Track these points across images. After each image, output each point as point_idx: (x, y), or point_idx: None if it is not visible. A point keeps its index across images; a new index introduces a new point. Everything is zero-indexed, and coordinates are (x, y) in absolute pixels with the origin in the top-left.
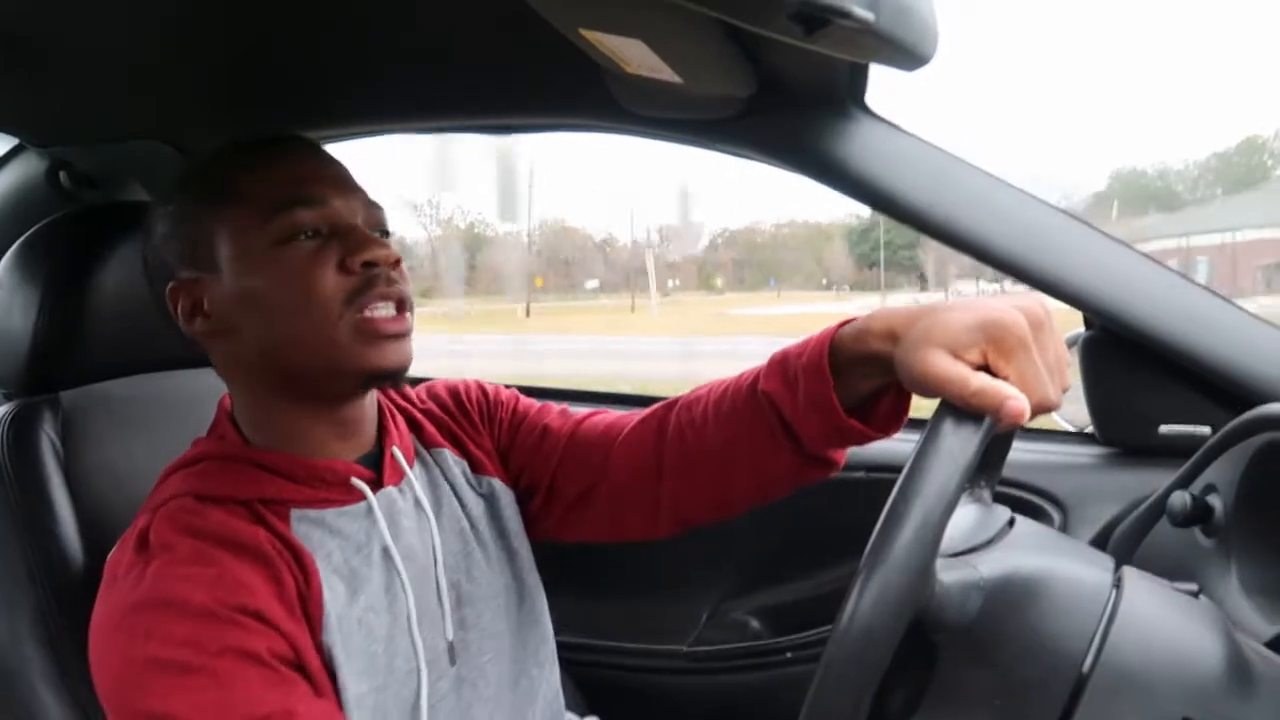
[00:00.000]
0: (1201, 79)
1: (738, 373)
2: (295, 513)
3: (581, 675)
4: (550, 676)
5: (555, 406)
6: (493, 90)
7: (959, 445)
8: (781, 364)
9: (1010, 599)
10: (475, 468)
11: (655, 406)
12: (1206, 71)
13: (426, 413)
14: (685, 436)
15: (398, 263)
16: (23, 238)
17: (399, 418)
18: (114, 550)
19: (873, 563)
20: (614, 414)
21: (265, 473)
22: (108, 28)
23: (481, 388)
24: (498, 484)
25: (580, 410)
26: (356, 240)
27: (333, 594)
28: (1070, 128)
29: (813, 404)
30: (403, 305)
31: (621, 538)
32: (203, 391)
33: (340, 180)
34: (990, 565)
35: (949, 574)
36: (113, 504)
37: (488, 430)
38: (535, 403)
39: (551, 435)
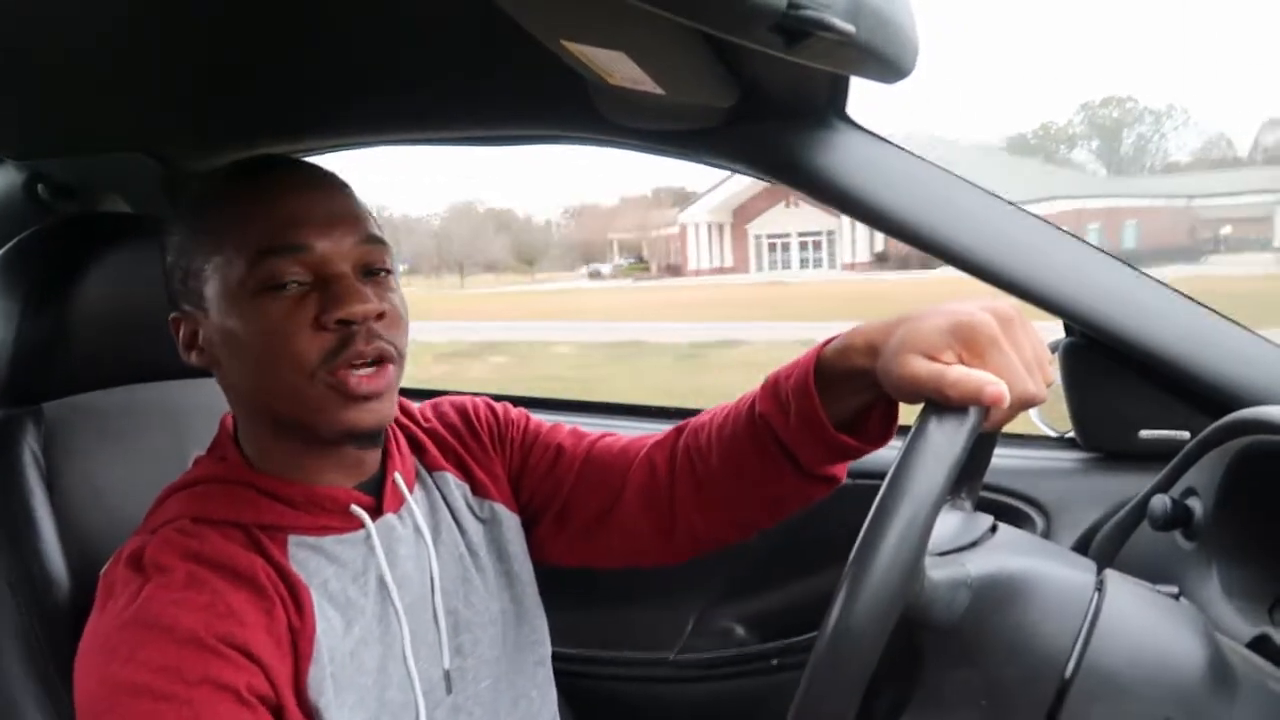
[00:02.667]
0: (1003, 67)
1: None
2: (293, 539)
3: (567, 685)
4: (548, 698)
5: (565, 426)
6: (476, 102)
7: (945, 440)
8: (774, 386)
9: (996, 598)
10: (477, 490)
11: (668, 430)
12: (1008, 60)
13: (430, 432)
14: (693, 461)
15: (381, 316)
16: (4, 249)
17: (402, 440)
18: (107, 566)
19: (862, 558)
20: (627, 437)
21: (265, 498)
22: (84, 40)
23: (490, 407)
24: (500, 508)
25: (592, 431)
26: (336, 294)
27: (327, 626)
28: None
29: (804, 424)
30: (383, 359)
31: (636, 563)
32: (187, 403)
33: (329, 220)
34: (977, 564)
35: (937, 571)
36: (96, 517)
37: (499, 454)
38: (545, 422)
39: (565, 457)
